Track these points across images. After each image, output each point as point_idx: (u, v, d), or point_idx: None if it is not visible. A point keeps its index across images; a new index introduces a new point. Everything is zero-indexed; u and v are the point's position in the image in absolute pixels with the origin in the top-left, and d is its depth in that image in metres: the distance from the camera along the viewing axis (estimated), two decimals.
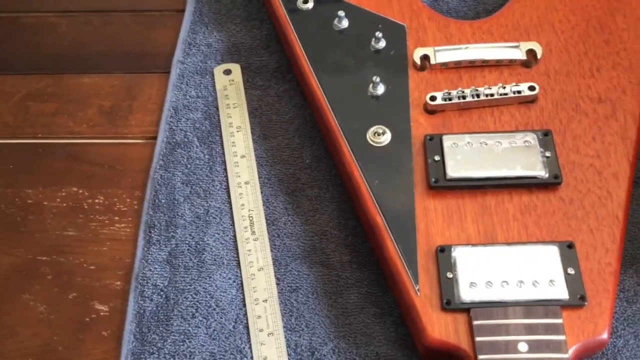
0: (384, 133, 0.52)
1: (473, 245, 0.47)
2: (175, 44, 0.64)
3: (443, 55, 0.55)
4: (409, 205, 0.49)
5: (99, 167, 0.58)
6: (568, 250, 0.47)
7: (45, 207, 0.56)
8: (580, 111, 0.53)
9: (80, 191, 0.57)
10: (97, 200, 0.57)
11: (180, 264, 0.53)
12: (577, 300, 0.45)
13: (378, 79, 0.54)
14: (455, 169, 0.50)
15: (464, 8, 0.64)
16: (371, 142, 0.52)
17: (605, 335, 0.44)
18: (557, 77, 0.55)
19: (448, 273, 0.46)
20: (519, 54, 0.55)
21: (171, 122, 0.60)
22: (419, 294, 0.46)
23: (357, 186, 0.51)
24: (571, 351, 0.43)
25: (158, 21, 0.66)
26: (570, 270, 0.46)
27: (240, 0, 0.66)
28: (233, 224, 0.54)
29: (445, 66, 0.55)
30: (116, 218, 0.56)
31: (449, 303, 0.45)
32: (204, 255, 0.53)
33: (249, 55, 0.63)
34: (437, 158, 0.51)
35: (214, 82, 0.62)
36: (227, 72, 0.62)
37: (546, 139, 0.51)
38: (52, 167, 0.58)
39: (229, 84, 0.61)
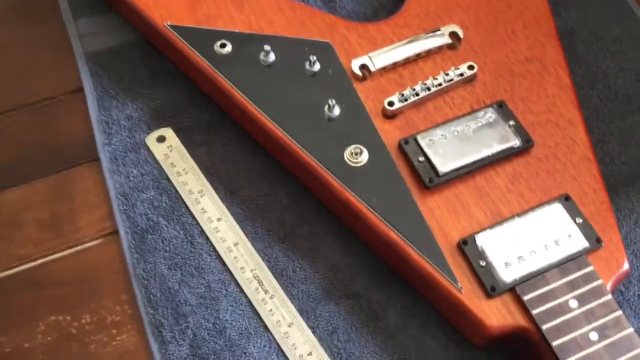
0: (360, 152, 0.52)
1: (490, 227, 0.49)
2: (90, 127, 0.58)
3: (379, 60, 0.56)
4: (415, 211, 0.50)
5: (67, 285, 0.52)
6: (567, 203, 0.50)
7: (28, 349, 0.50)
8: (516, 75, 0.57)
9: (61, 318, 0.51)
10: (83, 321, 0.51)
11: (207, 352, 0.49)
12: (595, 243, 0.49)
13: (333, 101, 0.54)
14: (444, 164, 0.51)
15: (361, 8, 0.65)
16: (353, 164, 0.52)
17: (627, 266, 0.49)
18: (484, 49, 0.58)
19: (480, 261, 0.48)
20: (445, 39, 0.58)
21: (126, 210, 0.55)
22: (462, 291, 0.47)
23: (359, 211, 0.51)
24: (608, 289, 0.48)
25: (57, 109, 0.60)
26: (579, 220, 0.50)
27: (138, 60, 0.62)
28: (242, 290, 0.52)
29: (384, 70, 0.57)
30: (114, 331, 0.51)
31: (494, 289, 0.47)
32: (227, 333, 0.50)
33: (175, 115, 0.59)
34: (421, 159, 0.52)
35: (152, 153, 0.57)
36: (161, 139, 0.58)
37: (502, 109, 0.54)
38: (16, 304, 0.51)
39: (169, 150, 0.58)
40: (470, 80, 0.56)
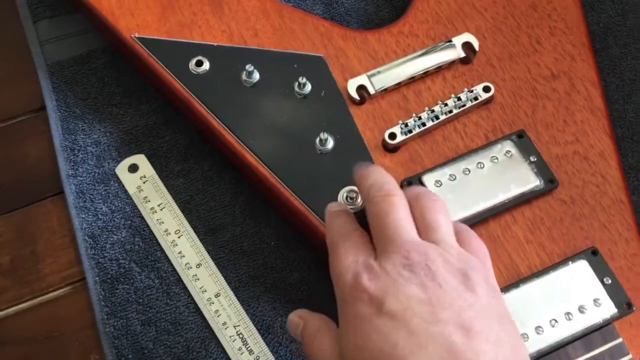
0: (357, 196, 0.45)
1: (506, 290, 0.43)
2: (54, 154, 0.52)
3: (379, 79, 0.49)
4: None
5: (32, 342, 0.47)
6: (595, 258, 0.44)
7: None
8: (539, 96, 0.49)
9: None
10: None
11: None
12: (625, 309, 0.42)
13: (326, 135, 0.46)
14: (452, 212, 0.44)
15: (362, 4, 0.57)
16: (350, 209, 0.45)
17: None
18: (502, 63, 0.50)
19: None
20: (457, 52, 0.50)
21: (94, 254, 0.49)
22: None
23: None
24: None
25: (16, 132, 0.53)
26: (607, 280, 0.43)
27: (107, 72, 0.54)
28: (224, 350, 0.46)
29: (385, 91, 0.49)
30: None
31: None
32: None
33: (149, 139, 0.52)
34: None
35: (123, 185, 0.51)
36: (133, 168, 0.52)
37: (523, 141, 0.47)
38: None
39: (142, 182, 0.51)
40: (486, 102, 0.48)
